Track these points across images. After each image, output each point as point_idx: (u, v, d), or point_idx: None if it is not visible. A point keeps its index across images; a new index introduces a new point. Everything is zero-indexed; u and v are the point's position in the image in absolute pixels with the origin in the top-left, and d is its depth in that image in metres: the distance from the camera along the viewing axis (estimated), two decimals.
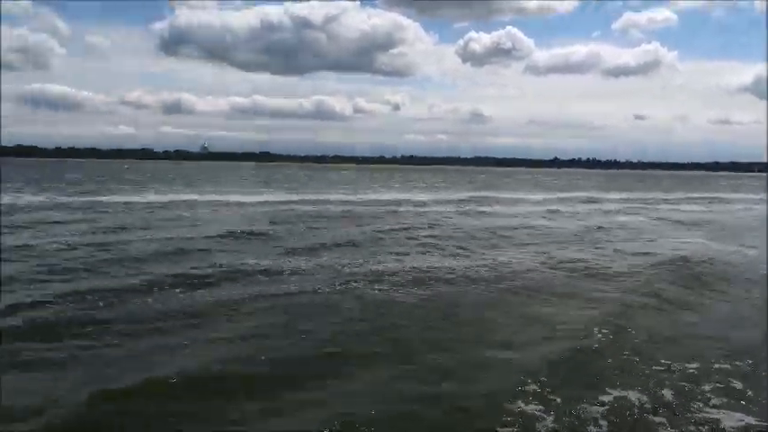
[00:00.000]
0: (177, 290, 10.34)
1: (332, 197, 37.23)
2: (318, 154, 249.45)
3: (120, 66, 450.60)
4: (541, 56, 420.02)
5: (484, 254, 15.50)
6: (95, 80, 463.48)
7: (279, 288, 10.80)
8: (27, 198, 30.93)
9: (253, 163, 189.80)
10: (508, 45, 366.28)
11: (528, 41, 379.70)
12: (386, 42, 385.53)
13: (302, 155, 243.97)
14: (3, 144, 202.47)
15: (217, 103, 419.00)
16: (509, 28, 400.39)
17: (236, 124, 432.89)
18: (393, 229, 20.17)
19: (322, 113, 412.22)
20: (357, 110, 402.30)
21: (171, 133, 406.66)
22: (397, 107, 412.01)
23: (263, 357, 7.24)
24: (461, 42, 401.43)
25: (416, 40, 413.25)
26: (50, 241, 15.52)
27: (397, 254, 15.11)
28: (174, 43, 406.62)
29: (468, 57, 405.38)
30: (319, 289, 10.81)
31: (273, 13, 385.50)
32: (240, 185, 50.81)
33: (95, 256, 13.50)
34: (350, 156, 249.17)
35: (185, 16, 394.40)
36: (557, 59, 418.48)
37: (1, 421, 5.50)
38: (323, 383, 6.56)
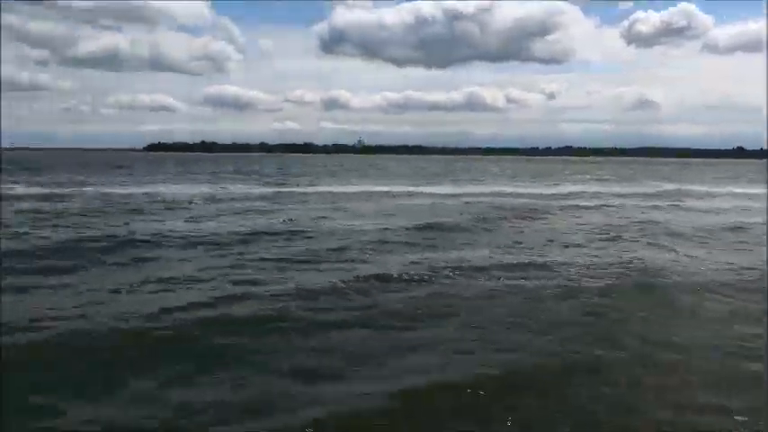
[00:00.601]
0: (381, 283, 10.14)
1: (507, 189, 36.16)
2: (470, 146, 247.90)
3: (285, 66, 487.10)
4: (721, 33, 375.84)
5: (708, 254, 13.61)
6: (264, 81, 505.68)
7: (490, 285, 10.27)
8: (231, 188, 34.72)
9: (409, 155, 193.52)
10: (681, 23, 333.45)
11: (705, 18, 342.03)
12: (541, 28, 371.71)
13: (454, 147, 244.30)
14: (188, 141, 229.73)
15: (371, 98, 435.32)
16: (682, 4, 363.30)
17: (390, 119, 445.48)
18: (589, 225, 18.77)
19: (473, 105, 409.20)
20: (510, 100, 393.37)
21: (329, 128, 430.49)
22: (552, 96, 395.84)
23: (494, 364, 6.67)
24: (626, 23, 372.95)
25: (575, 23, 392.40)
26: (253, 229, 16.59)
27: (612, 251, 13.94)
28: (333, 42, 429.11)
29: (633, 38, 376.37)
30: (530, 285, 10.19)
31: (426, 7, 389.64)
32: (408, 177, 51.68)
33: (309, 246, 13.90)
34: (503, 147, 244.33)
35: (342, 16, 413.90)
36: (741, 37, 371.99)
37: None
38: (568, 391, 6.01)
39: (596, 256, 13.26)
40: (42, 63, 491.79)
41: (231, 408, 5.52)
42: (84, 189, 32.59)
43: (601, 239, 15.90)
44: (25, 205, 23.28)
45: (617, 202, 28.59)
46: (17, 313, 8.06)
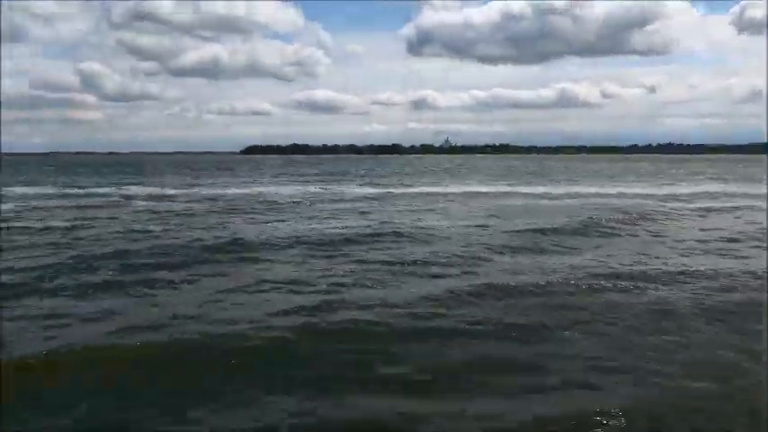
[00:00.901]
0: (493, 291, 9.48)
1: (612, 189, 34.06)
2: (562, 144, 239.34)
3: (373, 68, 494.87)
4: None
5: None
6: (352, 84, 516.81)
7: (613, 295, 9.40)
8: (328, 189, 36.10)
9: (497, 154, 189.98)
10: None
11: None
12: (639, 19, 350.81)
13: (544, 146, 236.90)
14: (281, 144, 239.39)
15: (458, 97, 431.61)
16: None
17: (477, 117, 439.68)
18: (715, 230, 17.04)
19: (566, 102, 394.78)
20: (605, 95, 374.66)
21: (416, 129, 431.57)
22: (652, 90, 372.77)
23: (646, 384, 5.95)
24: (736, 10, 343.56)
25: (678, 12, 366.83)
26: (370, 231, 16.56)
27: (746, 260, 12.40)
28: (420, 44, 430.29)
29: (744, 25, 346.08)
30: (658, 297, 9.22)
31: (515, 3, 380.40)
32: (502, 177, 50.54)
33: (413, 249, 13.50)
34: (598, 146, 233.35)
35: (430, 17, 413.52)
36: None
37: None
38: None
39: (728, 265, 11.84)
40: (152, 74, 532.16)
41: (334, 421, 5.30)
42: (191, 191, 34.41)
43: (732, 246, 14.28)
44: (140, 205, 24.80)
45: (742, 203, 25.92)
46: (135, 313, 8.38)
